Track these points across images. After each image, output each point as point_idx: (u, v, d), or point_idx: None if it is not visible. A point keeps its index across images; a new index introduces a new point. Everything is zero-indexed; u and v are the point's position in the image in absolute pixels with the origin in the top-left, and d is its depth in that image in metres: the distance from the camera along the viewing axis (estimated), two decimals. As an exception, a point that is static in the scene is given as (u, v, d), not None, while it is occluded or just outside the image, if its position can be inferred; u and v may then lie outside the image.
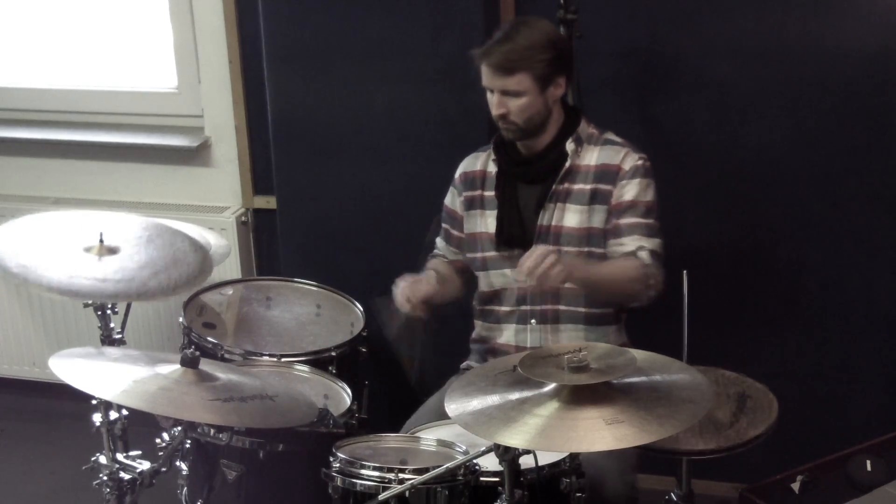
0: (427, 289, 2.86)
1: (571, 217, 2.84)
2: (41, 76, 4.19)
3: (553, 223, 2.85)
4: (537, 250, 2.63)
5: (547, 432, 2.05)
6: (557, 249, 2.72)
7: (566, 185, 2.84)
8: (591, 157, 2.85)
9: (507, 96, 2.76)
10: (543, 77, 2.74)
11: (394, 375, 3.56)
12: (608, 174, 2.83)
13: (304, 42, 3.47)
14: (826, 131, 3.24)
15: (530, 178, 2.89)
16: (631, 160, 2.83)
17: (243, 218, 3.93)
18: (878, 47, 3.13)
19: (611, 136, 2.89)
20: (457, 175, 3.02)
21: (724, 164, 3.34)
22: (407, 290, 2.84)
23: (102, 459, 2.84)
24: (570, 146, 2.83)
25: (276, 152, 3.64)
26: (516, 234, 2.88)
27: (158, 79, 4.04)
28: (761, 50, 3.22)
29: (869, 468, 2.79)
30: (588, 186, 2.83)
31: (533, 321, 2.90)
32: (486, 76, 2.78)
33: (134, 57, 4.08)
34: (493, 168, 2.93)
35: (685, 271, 2.62)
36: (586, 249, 2.84)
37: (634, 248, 2.79)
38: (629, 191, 2.82)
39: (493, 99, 2.79)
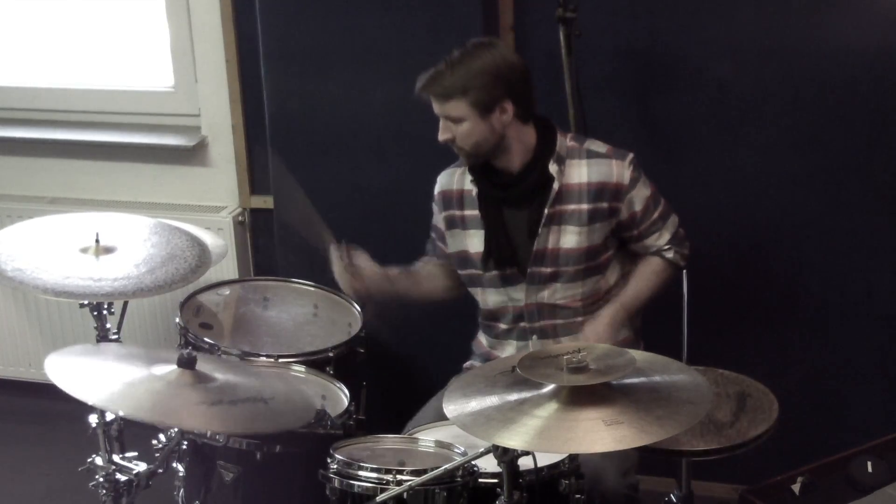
0: (367, 266, 2.96)
1: (570, 238, 2.82)
2: (37, 75, 4.17)
3: (550, 246, 2.83)
4: (590, 331, 2.81)
5: (546, 433, 2.04)
6: (598, 316, 2.85)
7: (558, 207, 2.81)
8: (581, 173, 2.81)
9: (450, 122, 2.76)
10: (481, 103, 2.71)
11: (392, 376, 3.55)
12: (606, 192, 2.80)
13: (301, 41, 3.46)
14: (826, 131, 3.23)
15: (515, 202, 2.85)
16: (626, 171, 2.81)
17: (240, 218, 3.91)
18: (878, 47, 3.12)
19: (592, 144, 2.85)
20: (436, 192, 3.00)
21: (724, 164, 3.33)
22: (347, 261, 2.96)
23: (99, 461, 2.83)
24: (552, 168, 2.79)
25: (274, 152, 3.62)
26: (506, 256, 2.86)
27: (155, 78, 4.03)
28: (761, 50, 3.21)
29: (870, 469, 2.78)
30: (585, 206, 2.81)
31: (534, 337, 2.91)
32: (433, 104, 2.78)
33: (130, 56, 4.07)
34: (470, 187, 2.90)
35: (684, 271, 2.61)
36: (583, 266, 2.84)
37: (656, 247, 2.91)
38: (637, 200, 2.84)
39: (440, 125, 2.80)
